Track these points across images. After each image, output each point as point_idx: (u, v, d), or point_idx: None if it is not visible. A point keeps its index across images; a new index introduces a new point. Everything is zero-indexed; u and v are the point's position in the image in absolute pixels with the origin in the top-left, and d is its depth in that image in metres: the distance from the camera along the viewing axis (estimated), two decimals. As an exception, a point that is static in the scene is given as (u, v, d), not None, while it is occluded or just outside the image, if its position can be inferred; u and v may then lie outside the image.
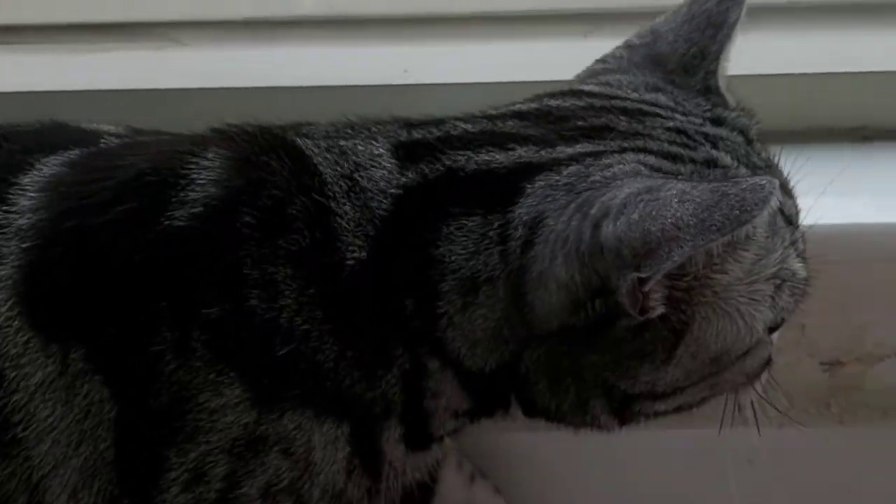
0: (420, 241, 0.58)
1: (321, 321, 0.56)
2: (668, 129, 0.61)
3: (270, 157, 0.58)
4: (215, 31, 0.92)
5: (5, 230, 0.55)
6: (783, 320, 0.62)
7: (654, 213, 0.51)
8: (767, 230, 0.56)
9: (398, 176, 0.59)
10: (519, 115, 0.63)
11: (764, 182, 0.50)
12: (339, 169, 0.59)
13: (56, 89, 0.91)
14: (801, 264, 0.61)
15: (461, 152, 0.59)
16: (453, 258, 0.57)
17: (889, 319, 0.86)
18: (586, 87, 0.66)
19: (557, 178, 0.58)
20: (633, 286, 0.52)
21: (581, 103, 0.63)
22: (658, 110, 0.63)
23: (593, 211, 0.53)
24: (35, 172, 0.57)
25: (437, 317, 0.58)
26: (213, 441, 0.55)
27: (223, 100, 0.87)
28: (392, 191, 0.58)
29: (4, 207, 0.56)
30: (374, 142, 0.60)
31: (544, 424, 0.64)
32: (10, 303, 0.54)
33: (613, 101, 0.63)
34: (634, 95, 0.64)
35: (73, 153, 0.59)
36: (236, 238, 0.56)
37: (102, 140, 0.63)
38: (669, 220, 0.50)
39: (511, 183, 0.58)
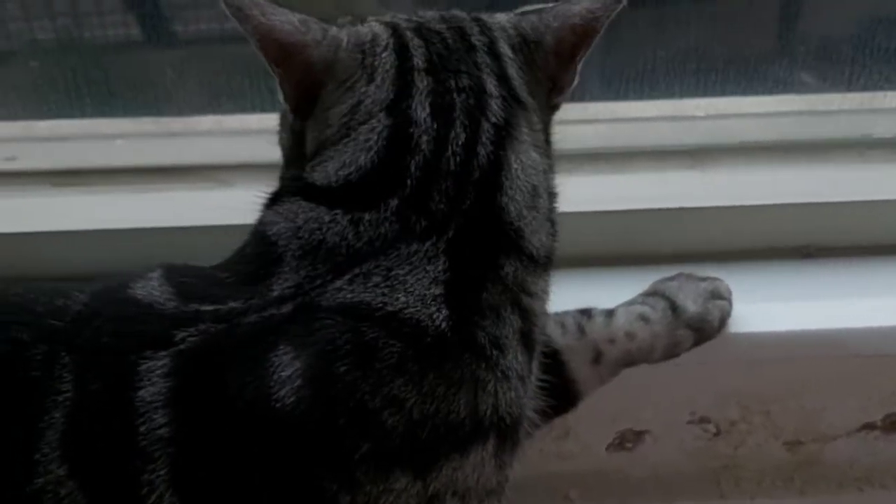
0: (488, 215, 0.68)
1: (444, 394, 0.63)
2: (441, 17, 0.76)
3: (327, 321, 0.64)
4: (258, 172, 1.02)
5: (150, 437, 0.61)
6: None
7: (566, 12, 0.71)
8: None
9: (437, 235, 0.66)
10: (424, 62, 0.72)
11: None
12: (381, 296, 0.65)
13: (118, 228, 1.00)
14: None
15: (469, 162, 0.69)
16: (515, 193, 0.69)
17: (837, 405, 0.98)
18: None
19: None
20: (575, 71, 0.74)
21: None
22: None
23: (530, 37, 0.73)
24: (150, 386, 0.62)
25: (522, 249, 0.69)
26: None
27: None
28: (441, 236, 0.67)
29: (142, 420, 0.61)
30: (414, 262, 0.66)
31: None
32: (169, 493, 0.61)
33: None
34: None
35: (166, 362, 0.63)
36: (346, 388, 0.62)
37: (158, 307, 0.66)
38: (584, 9, 0.72)
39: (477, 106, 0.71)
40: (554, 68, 0.75)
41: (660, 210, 1.01)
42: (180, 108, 1.13)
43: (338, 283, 0.65)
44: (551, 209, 0.74)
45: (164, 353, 0.64)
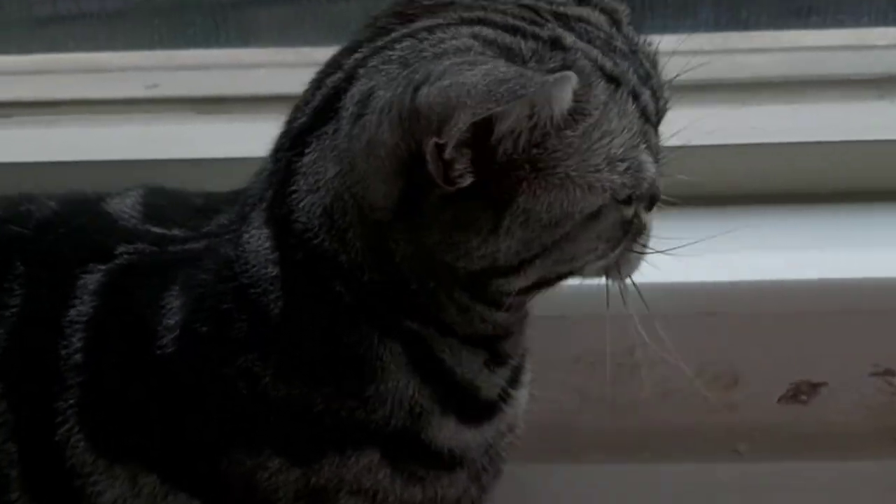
0: (291, 226, 0.59)
1: (294, 380, 0.59)
2: (519, 4, 0.59)
3: (205, 273, 0.62)
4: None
5: (68, 363, 0.60)
6: (637, 197, 0.59)
7: (460, 80, 0.50)
8: (601, 116, 0.55)
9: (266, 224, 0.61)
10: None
11: (563, 75, 0.51)
12: (236, 252, 0.61)
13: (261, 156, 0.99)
14: (649, 159, 0.58)
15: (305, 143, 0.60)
16: (309, 208, 0.58)
17: None
18: None
19: (391, 53, 0.57)
20: (435, 152, 0.52)
21: None
22: None
23: (417, 76, 0.52)
24: (80, 305, 0.61)
25: (348, 271, 0.58)
26: (282, 497, 0.60)
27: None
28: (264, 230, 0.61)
29: (65, 343, 0.60)
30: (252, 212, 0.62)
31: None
32: (77, 427, 0.59)
33: None
34: None
35: (98, 277, 0.62)
36: (207, 348, 0.60)
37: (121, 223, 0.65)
38: (466, 88, 0.50)
39: (343, 84, 0.58)
40: (419, 137, 0.57)
41: (844, 143, 0.93)
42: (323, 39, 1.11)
43: (240, 233, 0.62)
44: None
45: (101, 267, 0.62)
